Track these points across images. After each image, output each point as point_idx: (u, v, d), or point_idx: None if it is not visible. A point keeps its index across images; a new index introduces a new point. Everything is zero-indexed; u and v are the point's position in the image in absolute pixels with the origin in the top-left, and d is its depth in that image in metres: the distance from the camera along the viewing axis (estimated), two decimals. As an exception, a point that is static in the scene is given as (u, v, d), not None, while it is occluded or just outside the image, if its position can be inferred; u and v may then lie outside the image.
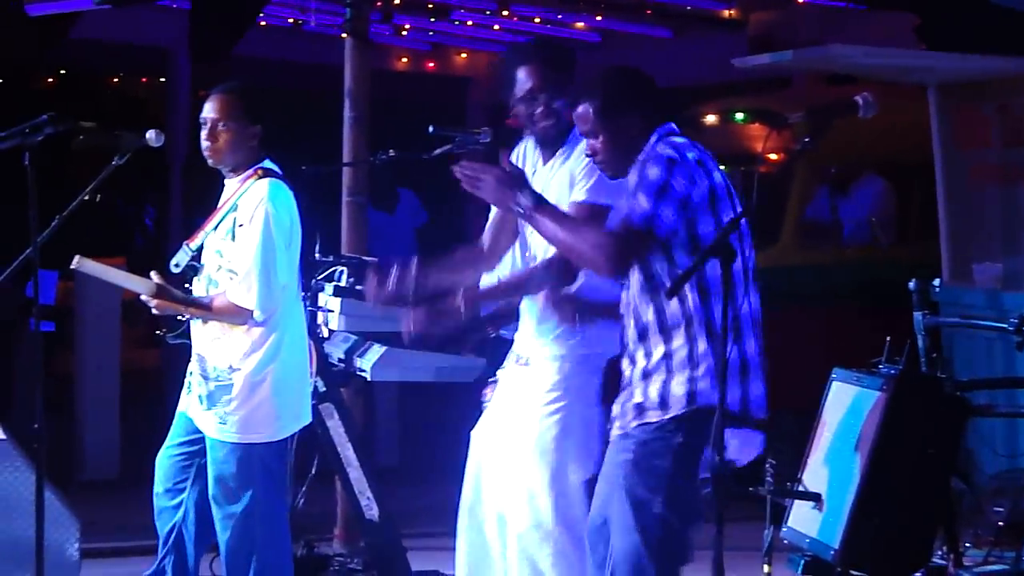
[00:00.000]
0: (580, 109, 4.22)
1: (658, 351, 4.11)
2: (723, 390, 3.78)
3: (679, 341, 4.08)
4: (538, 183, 4.80)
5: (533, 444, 4.74)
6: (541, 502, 4.71)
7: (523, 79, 4.83)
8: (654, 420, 4.08)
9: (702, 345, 4.06)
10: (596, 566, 4.26)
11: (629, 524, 4.04)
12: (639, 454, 4.07)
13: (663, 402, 4.08)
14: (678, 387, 4.08)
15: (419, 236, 10.41)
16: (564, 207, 4.64)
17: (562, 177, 4.80)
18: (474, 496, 4.97)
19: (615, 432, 4.22)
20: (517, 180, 4.33)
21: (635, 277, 4.15)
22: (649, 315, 4.12)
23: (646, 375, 4.14)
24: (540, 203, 4.25)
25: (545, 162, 4.88)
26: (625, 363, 4.24)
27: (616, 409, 4.25)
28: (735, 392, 4.08)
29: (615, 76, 4.28)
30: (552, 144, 4.87)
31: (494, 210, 4.93)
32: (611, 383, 4.69)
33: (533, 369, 4.82)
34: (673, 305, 4.08)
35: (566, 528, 4.73)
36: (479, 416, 5.05)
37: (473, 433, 5.02)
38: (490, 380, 5.10)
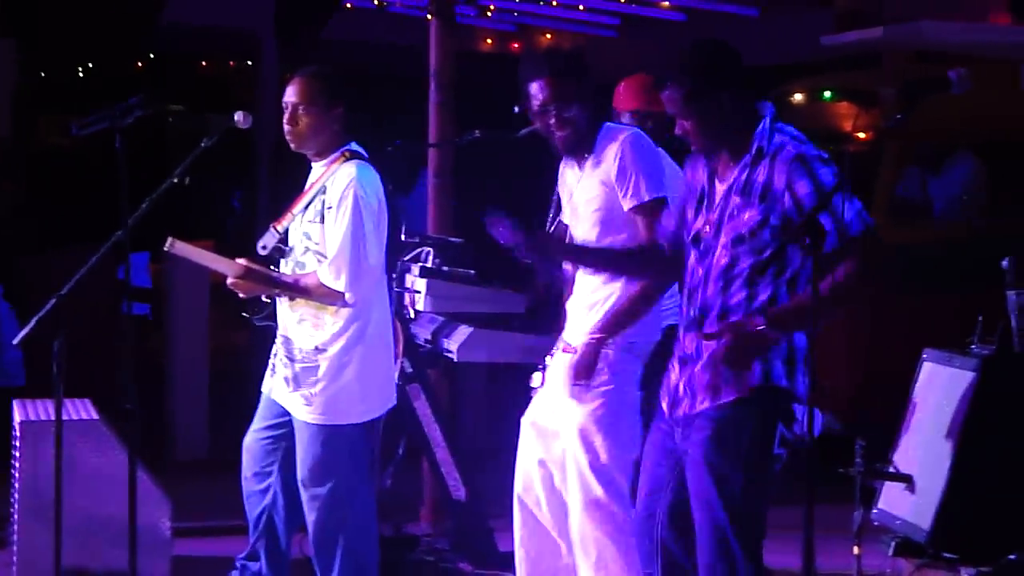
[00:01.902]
0: (666, 93, 4.13)
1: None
2: (810, 369, 3.75)
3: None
4: (578, 194, 4.90)
5: (581, 426, 4.80)
6: (594, 481, 4.78)
7: (535, 93, 4.93)
8: (729, 399, 4.05)
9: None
10: (642, 560, 4.25)
11: (712, 501, 4.02)
12: (717, 431, 4.04)
13: (739, 381, 4.04)
14: (753, 366, 4.04)
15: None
16: (592, 215, 4.78)
17: (591, 187, 4.86)
18: (525, 482, 5.03)
19: (677, 414, 4.16)
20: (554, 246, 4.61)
21: (736, 263, 4.08)
22: (734, 298, 4.07)
23: (716, 356, 4.08)
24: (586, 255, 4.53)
25: (580, 167, 4.94)
26: (687, 337, 4.18)
27: (672, 391, 4.19)
28: (801, 379, 4.04)
29: (699, 56, 4.14)
30: (576, 150, 4.97)
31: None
32: (654, 369, 4.72)
33: (571, 353, 4.87)
34: (765, 292, 4.02)
35: (620, 503, 4.77)
36: (528, 403, 5.11)
37: (523, 420, 5.06)
38: (539, 367, 5.11)
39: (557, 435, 4.97)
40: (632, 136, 4.89)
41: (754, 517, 4.05)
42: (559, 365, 4.96)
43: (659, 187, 4.79)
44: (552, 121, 4.88)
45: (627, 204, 4.80)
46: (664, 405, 4.22)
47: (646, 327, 4.86)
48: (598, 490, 4.82)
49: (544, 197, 5.41)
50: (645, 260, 4.52)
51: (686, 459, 4.12)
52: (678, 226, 4.32)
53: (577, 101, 4.86)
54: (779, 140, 4.06)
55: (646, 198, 4.77)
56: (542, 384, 5.03)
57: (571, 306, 5.03)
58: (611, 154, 4.84)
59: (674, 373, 4.20)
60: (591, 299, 4.93)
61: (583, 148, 4.93)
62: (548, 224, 5.30)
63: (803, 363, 4.03)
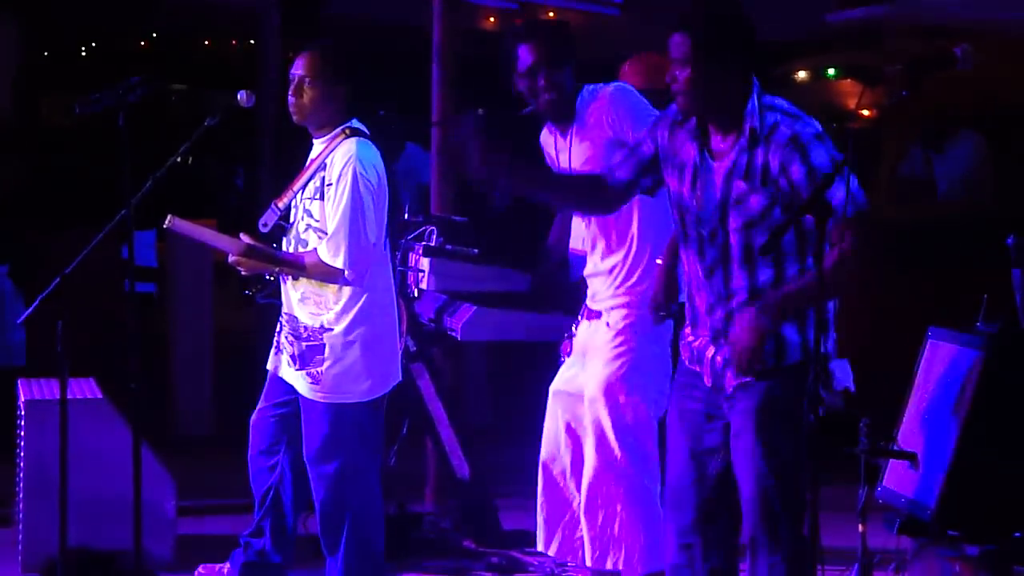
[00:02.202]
0: (677, 37, 4.03)
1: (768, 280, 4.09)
2: (817, 346, 3.75)
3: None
4: (563, 160, 4.92)
5: (607, 385, 4.83)
6: (611, 441, 4.80)
7: (523, 56, 5.07)
8: (770, 370, 4.04)
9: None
10: (677, 531, 4.20)
11: (762, 471, 4.02)
12: (765, 401, 4.04)
13: (779, 350, 4.04)
14: (792, 335, 4.05)
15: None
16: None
17: (584, 150, 4.91)
18: (551, 451, 5.05)
19: (721, 386, 4.15)
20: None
21: (738, 244, 4.07)
22: (761, 278, 4.06)
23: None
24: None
25: (563, 136, 5.01)
26: (716, 313, 4.17)
27: (712, 366, 4.17)
28: (833, 338, 4.12)
29: (720, 13, 4.07)
30: (560, 117, 5.08)
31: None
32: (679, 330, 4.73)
33: (604, 319, 4.91)
34: (792, 268, 4.04)
35: (637, 466, 4.79)
36: (556, 372, 5.14)
37: (551, 388, 5.08)
38: (567, 336, 5.14)
39: (583, 399, 5.00)
40: (616, 90, 5.04)
41: (800, 483, 4.02)
42: (585, 333, 4.99)
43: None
44: (540, 84, 5.01)
45: None
46: (706, 380, 4.20)
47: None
48: (617, 451, 4.85)
49: None
50: (591, 189, 4.39)
51: (732, 431, 4.12)
52: (632, 175, 4.30)
53: (565, 65, 5.02)
54: (772, 119, 4.01)
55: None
56: (570, 353, 5.06)
57: (589, 274, 5.06)
58: (603, 113, 4.92)
59: (709, 349, 4.18)
60: (608, 264, 4.97)
61: (566, 114, 5.05)
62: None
63: (833, 324, 4.13)
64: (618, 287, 4.93)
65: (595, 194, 4.36)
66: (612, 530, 4.91)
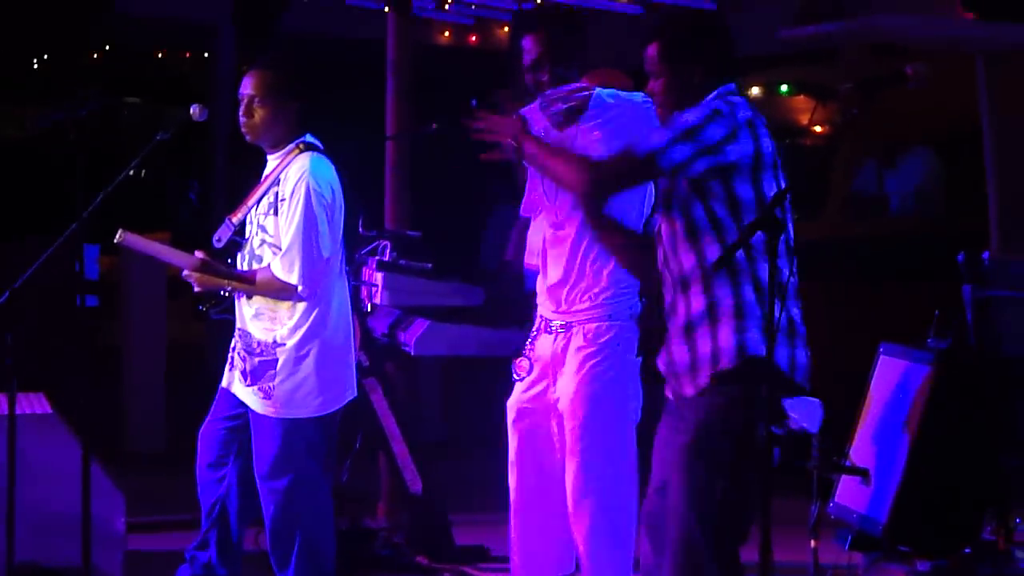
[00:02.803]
0: (647, 50, 4.13)
1: (700, 300, 4.01)
2: (770, 347, 3.71)
3: (724, 290, 3.98)
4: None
5: (579, 395, 4.78)
6: (587, 455, 4.76)
7: (529, 48, 4.86)
8: (706, 380, 3.98)
9: (748, 295, 3.96)
10: (655, 550, 4.16)
11: (686, 503, 3.98)
12: (698, 433, 3.97)
13: (713, 356, 3.97)
14: (726, 338, 3.96)
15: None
16: None
17: (591, 146, 4.79)
18: (519, 469, 5.01)
19: (669, 395, 4.14)
20: (524, 124, 4.45)
21: (675, 225, 4.06)
22: (691, 263, 4.03)
23: (689, 327, 4.03)
24: (540, 143, 4.39)
25: (560, 129, 4.87)
26: (667, 315, 4.16)
27: (664, 367, 4.16)
28: (783, 351, 3.98)
29: (684, 20, 4.25)
30: (567, 110, 4.86)
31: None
32: (649, 334, 4.72)
33: (575, 330, 4.85)
34: (715, 253, 3.96)
35: (618, 474, 4.77)
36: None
37: (511, 406, 5.04)
38: (523, 352, 5.10)
39: (551, 413, 4.93)
40: (649, 102, 4.82)
41: (732, 522, 3.99)
42: (548, 346, 4.92)
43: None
44: (545, 78, 4.84)
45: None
46: (668, 393, 4.19)
47: (633, 287, 4.86)
48: (591, 464, 4.80)
49: (502, 191, 5.39)
50: (579, 160, 4.34)
51: (666, 451, 4.10)
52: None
53: (574, 59, 4.84)
54: (703, 103, 4.06)
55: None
56: (529, 371, 4.99)
57: (544, 287, 5.01)
58: (637, 120, 4.75)
59: (667, 349, 4.16)
60: (563, 276, 4.91)
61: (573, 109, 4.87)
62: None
63: (784, 335, 3.98)
64: (593, 298, 4.88)
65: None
66: (599, 536, 4.88)
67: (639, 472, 4.82)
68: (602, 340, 4.84)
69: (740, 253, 3.91)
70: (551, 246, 4.99)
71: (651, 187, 4.82)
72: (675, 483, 4.01)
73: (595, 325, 4.86)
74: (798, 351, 4.04)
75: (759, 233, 3.81)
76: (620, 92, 4.97)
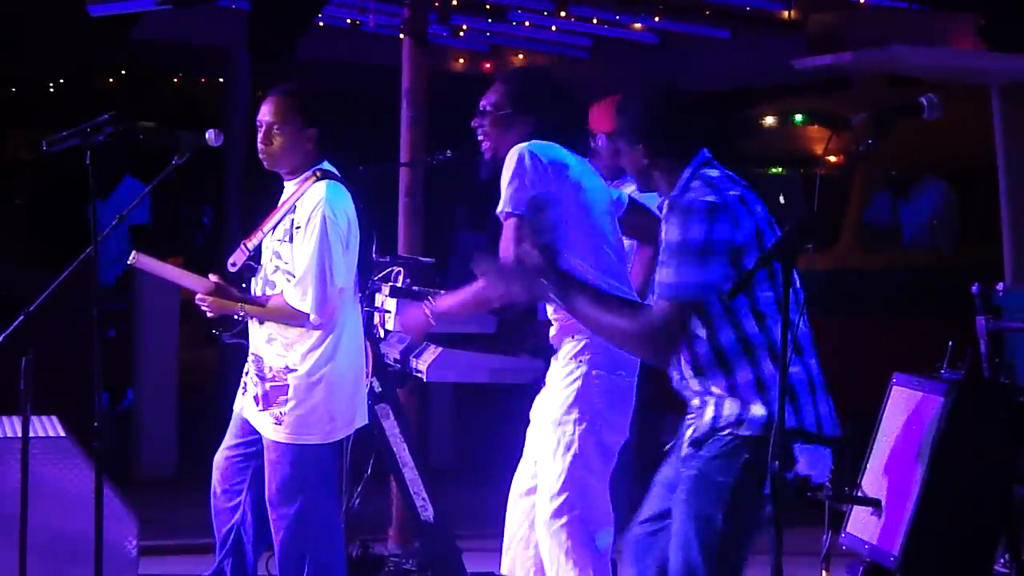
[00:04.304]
0: (616, 122, 4.16)
1: (721, 384, 3.96)
2: (782, 404, 3.68)
3: (743, 371, 3.93)
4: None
5: (559, 409, 4.76)
6: (555, 470, 4.72)
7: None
8: (726, 435, 3.95)
9: (768, 368, 3.91)
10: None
11: (689, 538, 3.97)
12: (704, 469, 3.96)
13: (739, 421, 3.93)
14: (757, 410, 3.92)
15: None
16: None
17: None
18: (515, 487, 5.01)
19: (683, 450, 4.12)
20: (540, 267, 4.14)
21: None
22: (703, 348, 3.97)
23: (718, 401, 3.99)
24: (569, 283, 4.10)
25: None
26: (686, 394, 4.14)
27: (684, 431, 4.15)
28: (810, 411, 3.96)
29: (629, 102, 4.14)
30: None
31: None
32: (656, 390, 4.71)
33: (561, 354, 4.85)
34: (728, 335, 3.96)
35: (581, 496, 4.73)
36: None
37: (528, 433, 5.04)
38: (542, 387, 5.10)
39: (535, 435, 4.93)
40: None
41: (730, 561, 3.98)
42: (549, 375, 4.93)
43: (518, 205, 4.67)
44: (479, 132, 4.88)
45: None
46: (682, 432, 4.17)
47: None
48: (557, 482, 4.75)
49: (467, 217, 5.37)
50: (636, 327, 4.14)
51: (668, 493, 4.07)
52: None
53: (514, 124, 4.82)
54: (692, 188, 3.98)
55: (507, 209, 4.67)
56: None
57: (552, 315, 5.01)
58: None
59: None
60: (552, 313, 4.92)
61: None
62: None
63: (807, 395, 3.95)
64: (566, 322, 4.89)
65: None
66: (562, 558, 4.85)
67: (630, 497, 4.79)
68: (574, 353, 4.82)
69: (753, 324, 3.90)
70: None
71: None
72: (678, 513, 3.99)
73: (572, 343, 4.84)
74: (820, 403, 4.02)
75: (765, 293, 3.81)
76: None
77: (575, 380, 4.75)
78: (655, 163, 4.07)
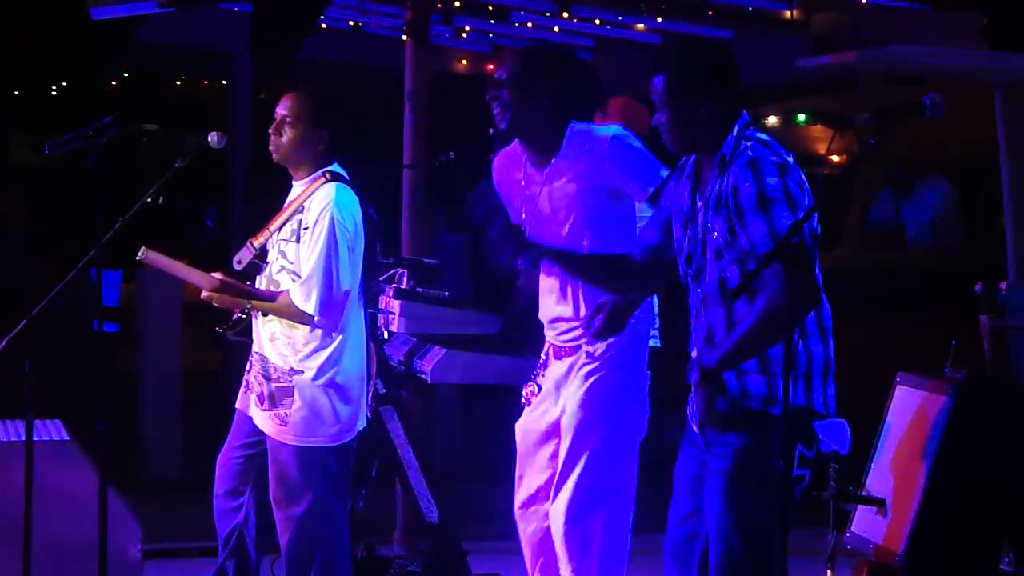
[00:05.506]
0: (652, 81, 4.07)
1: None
2: (786, 388, 3.70)
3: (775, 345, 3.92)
4: (534, 192, 4.83)
5: (580, 413, 4.77)
6: (589, 470, 4.73)
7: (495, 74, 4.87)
8: (756, 414, 3.95)
9: (800, 345, 3.94)
10: None
11: (729, 531, 3.96)
12: (737, 459, 3.95)
13: (771, 398, 3.93)
14: (772, 388, 3.94)
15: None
16: (570, 218, 4.77)
17: (566, 189, 4.78)
18: (527, 494, 5.00)
19: (702, 433, 4.11)
20: None
21: (714, 279, 4.02)
22: (738, 314, 3.96)
23: (744, 376, 3.98)
24: None
25: (538, 169, 4.85)
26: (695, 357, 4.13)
27: (695, 412, 4.14)
28: (819, 392, 3.98)
29: (689, 54, 4.11)
30: (537, 147, 4.85)
31: None
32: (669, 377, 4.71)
33: (583, 350, 4.84)
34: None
35: (614, 494, 4.74)
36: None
37: (520, 428, 5.05)
38: (531, 378, 5.11)
39: (542, 434, 4.93)
40: (617, 137, 4.80)
41: (771, 547, 3.97)
42: (558, 369, 4.92)
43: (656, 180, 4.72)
44: (496, 106, 4.83)
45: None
46: (694, 424, 4.17)
47: (646, 309, 4.86)
48: (595, 480, 4.77)
49: (445, 218, 5.36)
50: (626, 271, 4.38)
51: (705, 492, 4.04)
52: (661, 237, 4.27)
53: (538, 96, 4.78)
54: (743, 146, 3.99)
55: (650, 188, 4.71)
56: (537, 393, 5.00)
57: (545, 316, 5.01)
58: (601, 159, 4.76)
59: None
60: (558, 308, 4.91)
61: (543, 146, 4.85)
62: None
63: (820, 375, 3.97)
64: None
65: (639, 271, 4.34)
66: (592, 561, 4.85)
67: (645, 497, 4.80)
68: (605, 356, 4.82)
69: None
70: (544, 277, 4.98)
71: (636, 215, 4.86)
72: (715, 510, 3.99)
73: (602, 347, 4.84)
74: (830, 387, 4.04)
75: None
76: (594, 128, 4.89)
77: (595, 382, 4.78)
78: (713, 116, 4.02)
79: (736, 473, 3.96)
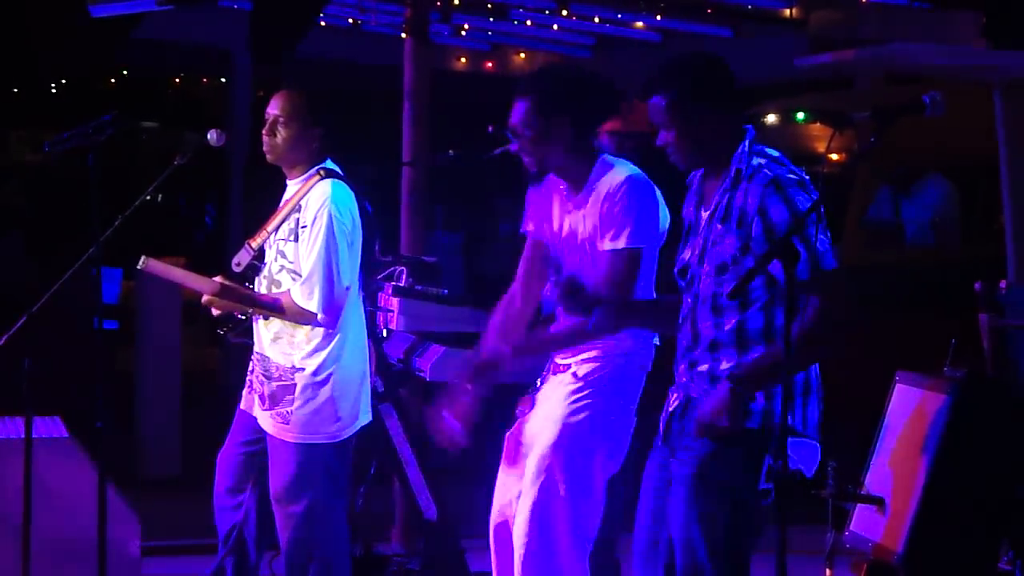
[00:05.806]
0: (653, 100, 4.04)
1: (732, 362, 3.97)
2: (785, 405, 3.70)
3: (757, 352, 3.95)
4: (560, 222, 4.79)
5: (558, 432, 4.74)
6: (559, 487, 4.71)
7: (513, 113, 4.72)
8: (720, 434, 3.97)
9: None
10: None
11: (693, 537, 3.96)
12: (703, 467, 3.95)
13: (745, 411, 3.93)
14: (752, 403, 3.94)
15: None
16: (587, 250, 4.69)
17: (585, 222, 4.74)
18: (502, 509, 4.98)
19: (669, 440, 4.11)
20: None
21: (708, 290, 4.02)
22: (731, 326, 3.97)
23: (712, 385, 4.00)
24: None
25: (570, 197, 4.81)
26: (680, 370, 4.14)
27: (666, 417, 4.14)
28: (798, 412, 3.99)
29: (687, 67, 4.06)
30: (567, 179, 4.76)
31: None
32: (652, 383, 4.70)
33: (572, 370, 4.81)
34: (758, 321, 3.95)
35: (580, 517, 4.72)
36: (503, 420, 5.08)
37: (506, 437, 5.04)
38: (529, 391, 5.09)
39: (530, 450, 4.91)
40: (634, 179, 4.70)
41: (737, 557, 3.98)
42: (550, 386, 4.90)
43: (647, 238, 4.65)
44: (522, 146, 4.72)
45: (606, 246, 4.65)
46: (661, 429, 4.17)
47: (642, 338, 4.81)
48: (563, 495, 4.73)
49: (441, 217, 5.35)
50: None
51: (670, 493, 4.05)
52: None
53: (552, 131, 4.67)
54: (757, 162, 3.98)
55: (620, 245, 4.61)
56: (532, 407, 4.97)
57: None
58: (605, 191, 4.68)
59: (672, 399, 4.15)
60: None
61: (574, 177, 4.75)
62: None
63: (802, 395, 3.97)
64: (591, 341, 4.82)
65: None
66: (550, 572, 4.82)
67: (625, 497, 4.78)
68: (590, 378, 4.79)
69: (782, 317, 3.83)
70: (553, 298, 4.94)
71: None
72: (679, 515, 3.99)
73: (589, 366, 4.81)
74: (811, 408, 4.03)
75: (777, 268, 3.79)
76: (617, 167, 4.77)
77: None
78: (719, 129, 4.01)
79: (700, 480, 3.95)
